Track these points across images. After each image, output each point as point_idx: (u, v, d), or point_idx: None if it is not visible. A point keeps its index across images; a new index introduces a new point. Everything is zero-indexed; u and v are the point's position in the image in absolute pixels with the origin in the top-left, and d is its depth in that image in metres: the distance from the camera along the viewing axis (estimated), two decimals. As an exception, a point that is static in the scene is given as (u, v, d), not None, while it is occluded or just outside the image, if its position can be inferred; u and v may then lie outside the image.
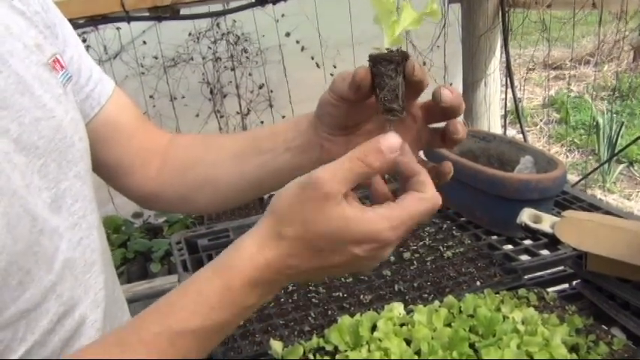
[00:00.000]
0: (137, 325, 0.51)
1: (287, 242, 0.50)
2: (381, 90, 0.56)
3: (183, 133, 0.90)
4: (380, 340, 0.79)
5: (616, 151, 4.00)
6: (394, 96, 0.56)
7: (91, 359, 0.50)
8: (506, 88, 2.90)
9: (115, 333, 0.52)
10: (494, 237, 1.21)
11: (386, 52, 0.57)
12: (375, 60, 0.56)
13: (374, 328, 0.83)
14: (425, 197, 0.52)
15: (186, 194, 0.81)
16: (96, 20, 2.18)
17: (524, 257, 1.13)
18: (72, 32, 0.74)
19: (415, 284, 1.01)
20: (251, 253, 0.50)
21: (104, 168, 0.78)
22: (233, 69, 2.82)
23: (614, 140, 4.12)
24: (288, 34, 2.75)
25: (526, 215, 1.03)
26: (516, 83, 3.10)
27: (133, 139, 0.81)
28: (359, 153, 0.50)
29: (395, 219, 0.50)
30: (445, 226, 1.20)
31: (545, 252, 1.14)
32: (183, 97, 2.79)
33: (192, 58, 2.76)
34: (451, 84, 3.01)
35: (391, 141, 0.51)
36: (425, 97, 0.63)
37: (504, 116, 3.13)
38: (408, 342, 0.80)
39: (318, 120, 0.66)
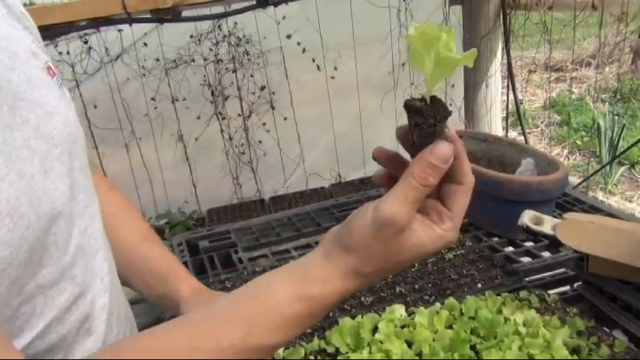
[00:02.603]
0: (213, 332, 0.54)
1: (368, 277, 0.56)
2: (419, 139, 0.54)
3: (113, 191, 0.94)
4: (381, 341, 0.79)
5: (617, 153, 4.00)
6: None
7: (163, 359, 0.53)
8: (508, 89, 2.90)
9: (184, 337, 0.54)
10: (496, 239, 1.21)
11: (425, 105, 0.53)
12: (415, 116, 0.53)
13: (375, 329, 0.83)
14: (467, 188, 0.57)
15: None
16: (98, 22, 2.18)
17: (526, 259, 1.13)
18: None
19: (416, 286, 1.01)
20: (336, 286, 0.55)
21: None
22: (234, 71, 2.82)
23: (615, 142, 4.11)
24: (289, 36, 2.76)
25: (527, 217, 1.03)
26: (517, 85, 3.10)
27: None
28: (419, 177, 0.53)
29: (457, 225, 0.56)
30: (446, 227, 1.20)
31: (546, 254, 1.14)
32: (185, 99, 2.79)
33: (193, 60, 2.76)
34: (453, 86, 3.02)
35: (444, 152, 0.53)
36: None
37: (505, 118, 3.13)
38: (409, 344, 0.80)
39: None
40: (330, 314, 0.94)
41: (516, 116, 3.19)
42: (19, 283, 0.54)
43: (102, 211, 0.77)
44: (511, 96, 2.88)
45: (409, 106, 0.53)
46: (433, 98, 0.53)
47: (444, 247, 0.56)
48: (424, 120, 0.53)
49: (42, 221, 0.56)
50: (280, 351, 0.83)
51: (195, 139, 2.81)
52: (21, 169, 0.55)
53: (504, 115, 3.09)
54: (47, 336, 0.58)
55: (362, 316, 0.86)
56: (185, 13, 2.31)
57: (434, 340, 0.79)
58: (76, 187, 0.65)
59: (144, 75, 2.68)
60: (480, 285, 0.99)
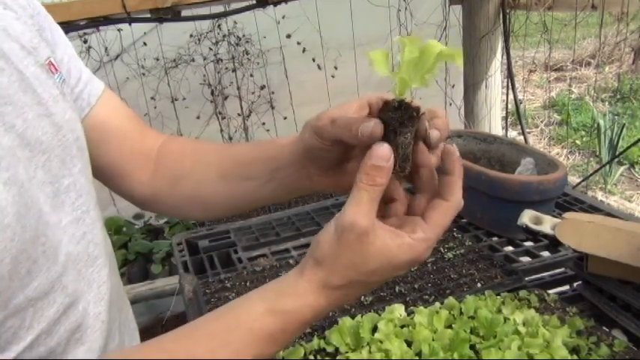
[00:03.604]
0: (187, 349, 0.54)
1: (340, 291, 0.55)
2: (395, 149, 0.54)
3: (175, 138, 0.87)
4: (381, 341, 0.79)
5: (617, 152, 4.00)
6: (407, 156, 0.55)
7: None
8: (507, 89, 2.90)
9: (161, 349, 0.54)
10: (495, 238, 1.21)
11: (400, 109, 0.54)
12: (391, 121, 0.54)
13: (375, 329, 0.83)
14: (451, 206, 0.56)
15: (176, 205, 0.81)
16: (97, 22, 2.18)
17: (525, 259, 1.13)
18: (61, 34, 0.74)
19: (416, 286, 1.01)
20: (309, 301, 0.54)
21: (99, 170, 0.78)
22: (234, 70, 2.82)
23: (615, 142, 4.11)
24: (289, 36, 2.76)
25: (527, 217, 1.03)
26: (517, 85, 3.10)
27: (126, 141, 0.80)
28: (365, 179, 0.53)
29: (431, 239, 0.55)
30: (446, 227, 1.20)
31: (545, 253, 1.14)
32: (184, 99, 2.79)
33: (193, 60, 2.76)
34: (453, 86, 3.02)
35: (380, 152, 0.53)
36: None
37: (505, 118, 3.13)
38: (409, 343, 0.80)
39: (306, 161, 0.65)
40: (330, 314, 0.94)
41: (516, 116, 3.19)
42: (5, 297, 0.52)
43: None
44: (511, 96, 2.88)
45: (384, 101, 0.56)
46: (403, 102, 0.54)
47: (416, 260, 0.55)
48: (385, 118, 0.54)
49: (28, 232, 0.54)
50: (281, 350, 0.83)
51: (195, 139, 2.82)
52: (10, 178, 0.53)
53: (504, 114, 3.09)
54: (35, 349, 0.57)
55: (361, 316, 0.86)
56: (185, 13, 2.31)
57: (433, 340, 0.79)
58: (70, 193, 0.63)
59: (143, 74, 2.68)
60: (479, 284, 0.99)
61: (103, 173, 0.79)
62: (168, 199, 0.81)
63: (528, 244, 1.18)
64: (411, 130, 0.54)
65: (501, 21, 2.69)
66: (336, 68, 2.81)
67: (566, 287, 1.03)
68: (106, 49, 2.53)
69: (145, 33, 2.64)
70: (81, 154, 0.67)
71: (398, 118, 0.53)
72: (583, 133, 4.92)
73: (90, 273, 0.65)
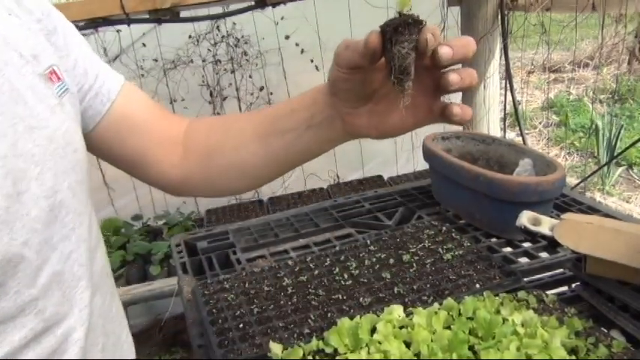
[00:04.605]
0: None
1: None
2: (391, 59, 0.53)
3: (199, 118, 0.88)
4: (379, 342, 0.79)
5: (615, 153, 4.01)
6: (405, 68, 0.53)
7: None
8: (506, 90, 2.90)
9: None
10: (494, 239, 1.21)
11: (398, 17, 0.53)
12: (386, 28, 0.53)
13: (373, 330, 0.83)
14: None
15: (212, 179, 0.81)
16: (96, 22, 2.18)
17: (524, 260, 1.13)
18: (74, 33, 0.73)
19: (415, 287, 1.01)
20: None
21: (127, 161, 0.78)
22: (233, 71, 2.83)
23: (613, 143, 4.12)
24: (287, 37, 2.76)
25: (525, 218, 1.03)
26: (516, 86, 3.10)
27: (152, 129, 0.80)
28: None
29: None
30: (444, 228, 1.20)
31: (544, 254, 1.14)
32: (183, 100, 2.79)
33: (192, 61, 2.76)
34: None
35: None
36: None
37: (504, 119, 3.13)
38: (408, 344, 0.80)
39: (334, 97, 0.67)
40: (329, 315, 0.94)
41: (515, 117, 3.19)
42: None
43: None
44: (509, 97, 2.88)
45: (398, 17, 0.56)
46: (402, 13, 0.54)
47: None
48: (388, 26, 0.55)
49: None
50: (279, 352, 0.83)
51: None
52: None
53: (502, 115, 3.09)
54: None
55: (360, 317, 0.86)
56: (183, 14, 2.31)
57: (432, 341, 0.79)
58: (62, 209, 0.60)
59: (142, 75, 2.68)
60: (478, 285, 0.99)
61: (130, 164, 0.79)
62: (203, 176, 0.81)
63: (527, 245, 1.18)
64: (409, 40, 0.53)
65: (500, 22, 2.69)
66: (334, 69, 2.81)
67: (565, 288, 1.03)
68: (104, 50, 2.53)
69: (143, 34, 2.64)
70: (72, 168, 0.64)
71: (393, 25, 0.53)
72: (581, 134, 4.92)
73: (73, 295, 0.62)
